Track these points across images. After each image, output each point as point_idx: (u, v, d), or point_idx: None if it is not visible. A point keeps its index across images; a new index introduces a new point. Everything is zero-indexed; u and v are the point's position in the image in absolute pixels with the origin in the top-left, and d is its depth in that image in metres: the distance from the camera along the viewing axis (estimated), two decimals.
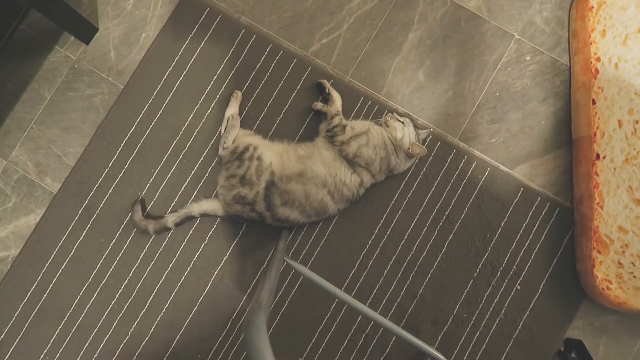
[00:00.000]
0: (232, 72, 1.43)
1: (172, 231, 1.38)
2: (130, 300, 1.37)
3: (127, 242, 1.38)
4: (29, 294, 1.37)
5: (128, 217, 1.38)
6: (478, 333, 1.36)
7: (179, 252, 1.38)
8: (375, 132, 1.31)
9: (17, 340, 1.36)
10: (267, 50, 1.44)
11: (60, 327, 1.36)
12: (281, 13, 1.47)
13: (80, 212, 1.39)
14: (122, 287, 1.37)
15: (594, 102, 1.33)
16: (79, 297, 1.37)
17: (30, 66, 1.45)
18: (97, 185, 1.40)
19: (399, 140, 1.31)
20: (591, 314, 1.38)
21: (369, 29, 1.47)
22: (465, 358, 1.36)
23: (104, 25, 1.46)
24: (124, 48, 1.46)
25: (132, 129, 1.42)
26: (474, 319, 1.37)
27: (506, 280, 1.38)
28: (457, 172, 1.41)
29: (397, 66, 1.46)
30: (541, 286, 1.37)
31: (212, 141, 1.41)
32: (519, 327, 1.36)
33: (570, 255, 1.39)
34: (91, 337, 1.36)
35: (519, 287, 1.37)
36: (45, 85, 1.45)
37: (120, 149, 1.41)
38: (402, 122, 1.33)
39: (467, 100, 1.45)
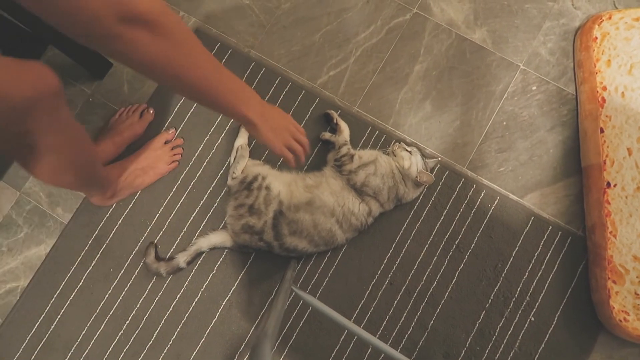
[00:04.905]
0: None
1: None
2: (137, 332, 1.35)
3: (136, 272, 1.38)
4: (36, 325, 1.36)
5: (137, 247, 1.39)
6: None
7: (186, 283, 1.37)
8: (383, 161, 1.32)
9: None
10: (276, 82, 1.47)
11: (66, 359, 1.34)
12: (290, 47, 1.51)
13: (90, 242, 1.40)
14: (130, 318, 1.36)
15: (602, 131, 1.33)
16: (86, 328, 1.35)
17: None
18: (107, 215, 1.41)
19: (406, 169, 1.31)
20: (609, 347, 1.33)
21: (376, 61, 1.50)
22: None
23: None
24: (137, 82, 1.50)
25: None
26: (487, 352, 1.33)
27: (519, 312, 1.34)
28: (466, 201, 1.40)
29: (404, 97, 1.48)
30: (556, 318, 1.34)
31: (221, 171, 1.43)
32: None
33: (585, 286, 1.35)
34: None
35: (532, 319, 1.34)
36: None
37: None
38: (410, 152, 1.33)
39: (475, 130, 1.46)
